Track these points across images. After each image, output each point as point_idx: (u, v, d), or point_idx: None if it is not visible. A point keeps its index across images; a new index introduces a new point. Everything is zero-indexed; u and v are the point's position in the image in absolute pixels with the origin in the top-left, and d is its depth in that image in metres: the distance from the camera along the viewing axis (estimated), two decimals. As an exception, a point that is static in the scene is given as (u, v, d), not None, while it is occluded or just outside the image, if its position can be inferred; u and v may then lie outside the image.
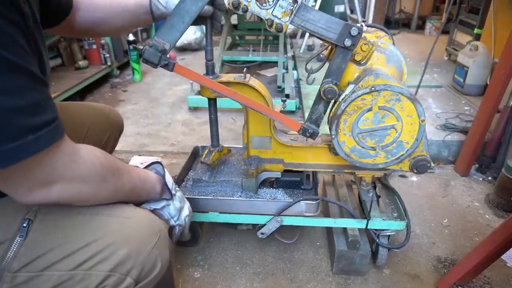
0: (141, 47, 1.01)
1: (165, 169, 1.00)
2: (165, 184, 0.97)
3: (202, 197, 1.33)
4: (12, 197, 0.69)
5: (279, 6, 0.99)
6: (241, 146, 1.35)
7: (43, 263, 0.73)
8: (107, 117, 1.32)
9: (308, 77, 1.26)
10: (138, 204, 0.94)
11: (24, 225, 0.74)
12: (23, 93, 0.59)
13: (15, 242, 0.73)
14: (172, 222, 1.00)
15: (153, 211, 0.96)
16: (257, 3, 1.00)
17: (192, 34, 4.56)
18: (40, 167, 0.66)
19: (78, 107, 1.29)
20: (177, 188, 1.03)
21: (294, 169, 1.33)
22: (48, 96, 0.66)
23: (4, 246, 0.72)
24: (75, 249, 0.74)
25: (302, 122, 1.18)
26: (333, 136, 1.14)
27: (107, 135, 1.31)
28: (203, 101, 2.77)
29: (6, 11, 0.57)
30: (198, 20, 1.08)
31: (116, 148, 1.43)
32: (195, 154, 1.62)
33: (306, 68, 1.25)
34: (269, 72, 3.54)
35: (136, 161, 2.14)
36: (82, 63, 3.26)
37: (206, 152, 1.37)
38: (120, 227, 0.80)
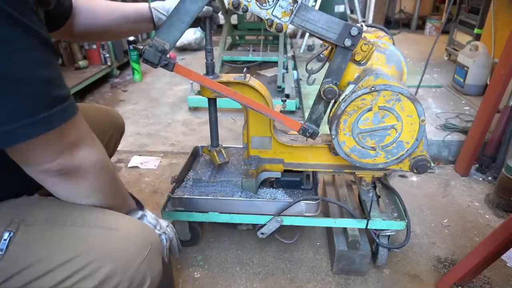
0: (141, 47, 1.01)
1: None
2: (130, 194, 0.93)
3: (202, 197, 1.33)
4: (32, 168, 0.69)
5: (279, 6, 0.99)
6: (241, 146, 1.35)
7: (22, 279, 0.70)
8: (109, 118, 1.31)
9: (308, 77, 1.26)
10: None
11: (5, 237, 0.70)
12: (53, 65, 0.64)
13: None
14: (156, 231, 0.93)
15: None
16: (257, 3, 1.00)
17: (192, 34, 4.56)
18: (70, 131, 0.69)
19: (80, 108, 1.29)
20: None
21: (294, 169, 1.33)
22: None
23: None
24: (56, 265, 0.71)
25: (302, 122, 1.18)
26: (333, 136, 1.14)
27: (109, 135, 1.30)
28: (203, 101, 2.77)
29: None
30: (195, 22, 1.08)
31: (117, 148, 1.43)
32: (195, 154, 1.62)
33: (306, 68, 1.25)
34: (269, 72, 3.54)
35: (136, 161, 2.14)
36: (82, 63, 3.26)
37: (216, 154, 1.36)
38: (107, 240, 0.76)
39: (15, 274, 0.70)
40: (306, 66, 1.25)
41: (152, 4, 1.14)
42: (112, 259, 0.74)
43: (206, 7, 1.04)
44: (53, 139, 0.66)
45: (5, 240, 0.70)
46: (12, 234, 0.71)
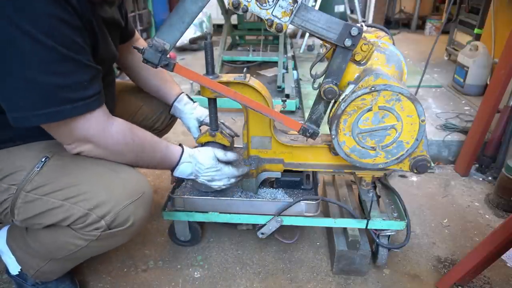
0: (142, 47, 1.01)
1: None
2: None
3: (202, 197, 1.33)
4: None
5: (279, 6, 0.99)
6: (241, 146, 1.35)
7: (46, 190, 0.95)
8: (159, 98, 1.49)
9: (313, 83, 1.24)
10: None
11: (43, 159, 0.98)
12: (68, 75, 0.84)
13: (33, 170, 0.96)
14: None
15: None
16: (257, 3, 0.99)
17: (192, 34, 4.56)
18: (77, 127, 0.91)
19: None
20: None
21: (294, 169, 1.33)
22: (94, 77, 0.91)
23: (25, 172, 0.96)
24: (69, 185, 0.95)
25: (302, 122, 1.18)
26: (333, 136, 1.14)
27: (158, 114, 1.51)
28: (203, 101, 2.76)
29: (69, 17, 0.82)
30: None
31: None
32: (195, 154, 1.62)
33: (311, 74, 1.24)
34: (269, 72, 3.54)
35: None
36: (82, 63, 3.25)
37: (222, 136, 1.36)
38: (110, 179, 0.98)
39: (42, 186, 0.95)
40: (311, 71, 1.24)
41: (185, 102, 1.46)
42: (108, 193, 0.95)
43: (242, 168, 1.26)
44: (63, 129, 0.91)
45: (42, 161, 0.98)
46: (47, 158, 0.99)
